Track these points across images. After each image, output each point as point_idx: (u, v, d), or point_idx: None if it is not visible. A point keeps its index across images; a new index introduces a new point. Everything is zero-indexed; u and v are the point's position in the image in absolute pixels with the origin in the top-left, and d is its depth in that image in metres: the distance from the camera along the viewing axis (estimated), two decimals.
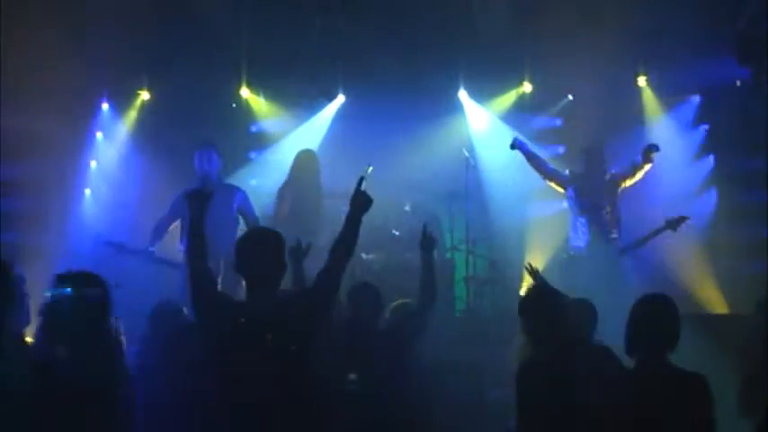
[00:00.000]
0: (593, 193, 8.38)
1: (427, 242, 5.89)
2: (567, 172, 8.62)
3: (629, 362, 4.47)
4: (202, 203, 4.62)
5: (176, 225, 8.18)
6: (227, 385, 4.35)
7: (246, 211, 8.27)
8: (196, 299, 4.47)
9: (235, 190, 8.35)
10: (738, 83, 9.53)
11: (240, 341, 4.34)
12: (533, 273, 5.94)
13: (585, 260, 8.24)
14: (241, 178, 9.54)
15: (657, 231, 8.18)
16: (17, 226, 9.06)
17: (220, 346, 4.40)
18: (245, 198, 8.35)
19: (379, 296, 5.84)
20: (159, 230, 8.29)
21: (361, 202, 4.59)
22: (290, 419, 4.28)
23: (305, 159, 8.83)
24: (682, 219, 8.14)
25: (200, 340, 4.61)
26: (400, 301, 6.18)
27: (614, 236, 8.34)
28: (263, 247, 4.50)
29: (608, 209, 8.35)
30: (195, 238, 4.56)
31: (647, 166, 8.32)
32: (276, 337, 4.33)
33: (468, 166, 9.30)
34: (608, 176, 8.44)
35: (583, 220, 8.38)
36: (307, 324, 4.42)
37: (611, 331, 4.97)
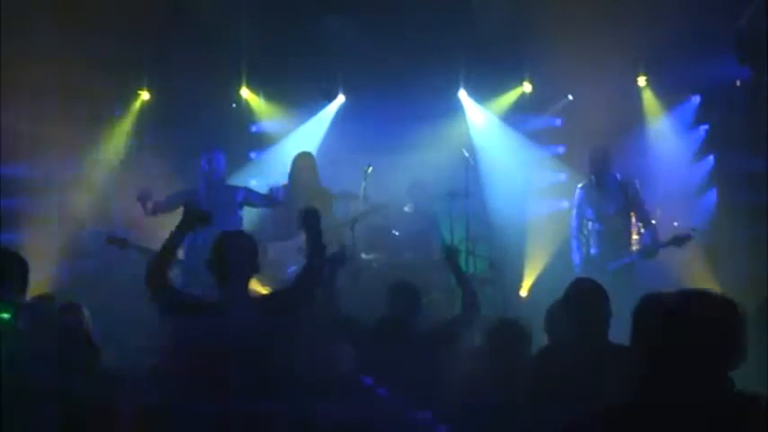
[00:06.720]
0: (603, 201, 8.31)
1: (449, 254, 5.90)
2: (579, 186, 8.49)
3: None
4: (193, 222, 4.62)
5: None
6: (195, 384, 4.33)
7: (254, 201, 8.28)
8: (160, 304, 4.45)
9: (235, 190, 8.34)
10: (738, 83, 9.51)
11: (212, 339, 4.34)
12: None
13: (599, 266, 8.10)
14: (241, 178, 9.54)
15: (664, 245, 8.15)
16: (17, 226, 9.06)
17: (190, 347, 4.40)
18: (248, 191, 8.36)
19: (417, 296, 5.71)
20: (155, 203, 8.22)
21: None
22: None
23: (298, 162, 8.81)
24: (689, 237, 8.09)
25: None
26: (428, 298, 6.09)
27: (624, 244, 8.28)
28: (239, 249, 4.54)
29: (619, 216, 8.27)
30: (164, 250, 4.53)
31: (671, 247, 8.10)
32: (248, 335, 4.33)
33: (468, 166, 9.27)
34: (621, 183, 8.31)
35: (596, 227, 8.30)
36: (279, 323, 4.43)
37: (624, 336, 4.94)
